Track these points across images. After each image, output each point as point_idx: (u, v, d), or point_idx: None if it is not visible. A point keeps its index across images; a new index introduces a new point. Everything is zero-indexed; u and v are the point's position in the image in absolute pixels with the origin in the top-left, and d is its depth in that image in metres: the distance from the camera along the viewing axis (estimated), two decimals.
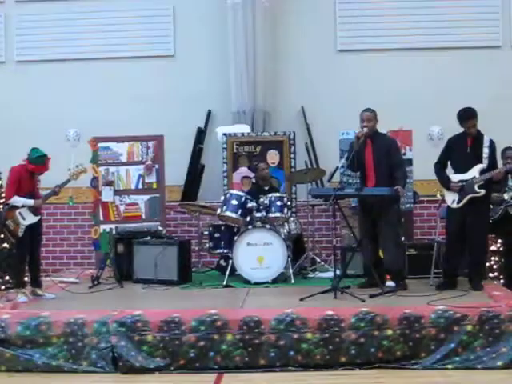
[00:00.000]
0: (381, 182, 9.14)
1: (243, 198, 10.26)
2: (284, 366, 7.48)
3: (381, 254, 9.31)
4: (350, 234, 10.23)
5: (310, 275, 10.62)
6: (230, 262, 10.07)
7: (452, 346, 7.42)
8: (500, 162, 9.31)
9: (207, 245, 10.79)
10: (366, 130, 9.18)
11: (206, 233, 10.85)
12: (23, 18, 13.16)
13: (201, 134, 12.86)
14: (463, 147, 9.05)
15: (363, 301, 8.27)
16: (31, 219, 9.07)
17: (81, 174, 9.50)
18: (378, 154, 9.23)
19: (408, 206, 11.24)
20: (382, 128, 9.62)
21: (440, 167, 9.31)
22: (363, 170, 9.38)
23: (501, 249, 10.23)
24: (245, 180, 11.92)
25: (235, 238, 10.14)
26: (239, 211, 10.20)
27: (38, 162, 9.11)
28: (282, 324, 7.52)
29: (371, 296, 8.57)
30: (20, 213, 8.98)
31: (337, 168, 9.45)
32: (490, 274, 10.11)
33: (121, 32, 12.89)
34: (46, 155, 9.18)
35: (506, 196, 9.74)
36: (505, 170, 8.94)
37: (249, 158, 12.05)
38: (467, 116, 8.99)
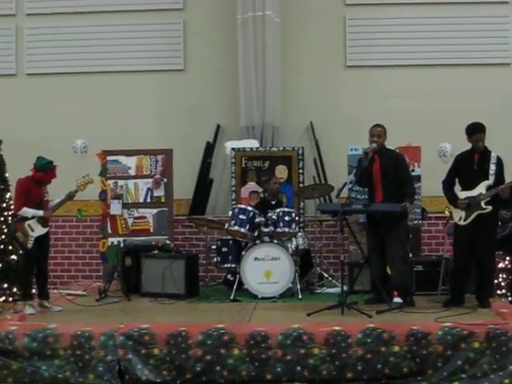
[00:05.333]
0: (388, 197, 9.14)
1: (251, 213, 10.28)
2: (290, 381, 7.48)
3: (388, 270, 9.30)
4: (357, 250, 10.23)
5: (317, 290, 10.59)
6: (238, 276, 10.07)
7: (459, 363, 7.42)
8: (509, 180, 9.27)
9: (215, 259, 10.77)
10: (374, 145, 9.20)
11: (214, 247, 10.83)
12: (34, 31, 13.22)
13: (209, 149, 12.88)
14: (470, 164, 9.06)
15: (370, 317, 8.26)
16: (40, 231, 9.11)
17: (87, 184, 9.50)
18: (385, 169, 9.25)
19: (416, 222, 11.23)
20: (391, 144, 9.65)
21: (448, 185, 9.31)
22: (371, 186, 9.39)
23: (509, 266, 10.20)
24: (253, 195, 11.92)
25: (243, 252, 10.15)
26: (247, 226, 10.22)
27: (46, 168, 9.14)
28: (288, 339, 7.53)
29: (378, 312, 8.55)
30: (29, 224, 9.01)
31: (345, 184, 9.48)
32: (498, 292, 10.08)
33: (131, 46, 12.95)
34: (52, 162, 9.21)
35: None
36: (510, 185, 8.90)
37: (257, 172, 12.05)
38: (474, 130, 9.00)
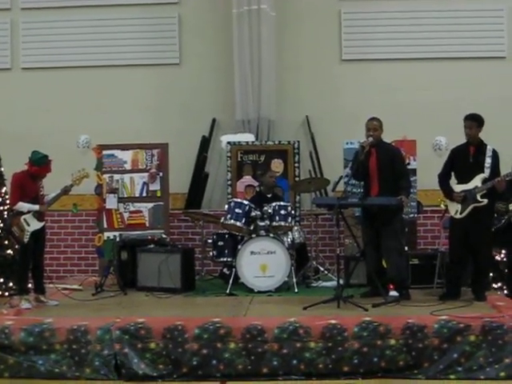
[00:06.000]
0: (384, 190, 9.16)
1: (247, 207, 10.28)
2: (287, 375, 7.50)
3: (384, 264, 9.32)
4: (353, 244, 10.27)
5: (313, 284, 10.60)
6: (234, 270, 10.07)
7: (455, 356, 7.44)
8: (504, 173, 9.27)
9: (211, 253, 10.78)
10: (371, 139, 9.21)
11: (210, 241, 10.84)
12: (29, 25, 13.18)
13: (205, 143, 12.87)
14: (466, 157, 9.08)
15: (366, 310, 8.28)
16: (36, 225, 9.10)
17: (83, 178, 9.49)
18: (382, 162, 9.26)
19: (412, 215, 11.25)
20: (386, 137, 9.65)
21: (443, 178, 9.32)
22: (367, 179, 9.40)
23: (504, 259, 10.20)
24: (249, 189, 11.92)
25: (239, 246, 10.15)
26: (243, 220, 10.22)
27: (41, 162, 9.12)
28: (285, 333, 7.54)
29: (374, 305, 8.56)
30: (25, 219, 9.00)
31: (341, 177, 9.48)
32: (494, 285, 10.08)
33: (126, 40, 12.93)
34: (47, 156, 9.20)
35: (511, 206, 9.72)
36: (506, 177, 8.91)
37: (253, 166, 12.03)
38: (465, 117, 9.06)
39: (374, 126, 9.33)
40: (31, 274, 9.32)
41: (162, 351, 7.59)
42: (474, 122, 9.02)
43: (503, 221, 9.75)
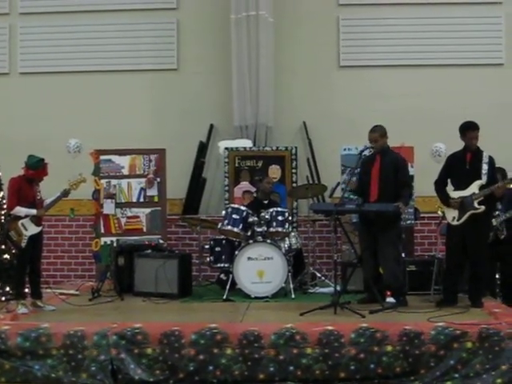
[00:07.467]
0: (383, 197, 9.15)
1: (244, 213, 10.28)
2: (283, 381, 7.50)
3: (381, 270, 9.31)
4: (350, 250, 10.25)
5: (310, 290, 10.59)
6: (231, 276, 10.06)
7: (452, 362, 7.44)
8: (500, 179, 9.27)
9: (208, 259, 10.76)
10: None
11: (207, 247, 10.82)
12: (27, 29, 13.19)
13: (203, 148, 12.87)
14: (462, 164, 9.08)
15: (363, 316, 8.27)
16: (33, 230, 9.09)
17: (80, 183, 9.48)
18: (384, 170, 9.26)
19: (409, 222, 11.24)
20: None
21: (440, 185, 9.32)
22: (367, 184, 9.38)
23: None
24: (246, 194, 11.91)
25: (236, 252, 10.14)
26: (240, 225, 10.21)
27: (37, 166, 9.11)
28: (281, 339, 7.53)
29: (371, 312, 8.56)
30: (22, 223, 8.99)
31: (338, 183, 9.50)
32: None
33: (124, 45, 12.94)
34: (43, 160, 9.19)
35: (494, 222, 9.72)
36: (504, 183, 8.91)
37: (250, 172, 12.04)
38: (468, 127, 9.04)
39: (373, 137, 9.34)
40: (28, 279, 9.30)
41: (159, 357, 7.57)
42: (477, 130, 9.02)
43: (490, 237, 9.73)
